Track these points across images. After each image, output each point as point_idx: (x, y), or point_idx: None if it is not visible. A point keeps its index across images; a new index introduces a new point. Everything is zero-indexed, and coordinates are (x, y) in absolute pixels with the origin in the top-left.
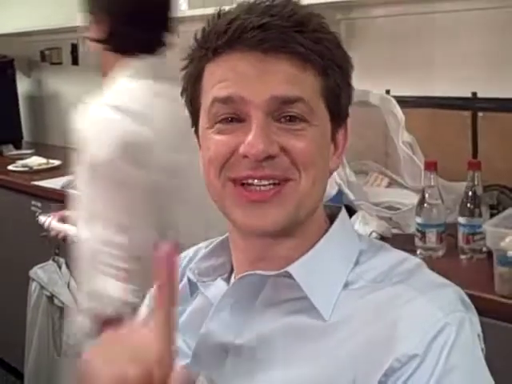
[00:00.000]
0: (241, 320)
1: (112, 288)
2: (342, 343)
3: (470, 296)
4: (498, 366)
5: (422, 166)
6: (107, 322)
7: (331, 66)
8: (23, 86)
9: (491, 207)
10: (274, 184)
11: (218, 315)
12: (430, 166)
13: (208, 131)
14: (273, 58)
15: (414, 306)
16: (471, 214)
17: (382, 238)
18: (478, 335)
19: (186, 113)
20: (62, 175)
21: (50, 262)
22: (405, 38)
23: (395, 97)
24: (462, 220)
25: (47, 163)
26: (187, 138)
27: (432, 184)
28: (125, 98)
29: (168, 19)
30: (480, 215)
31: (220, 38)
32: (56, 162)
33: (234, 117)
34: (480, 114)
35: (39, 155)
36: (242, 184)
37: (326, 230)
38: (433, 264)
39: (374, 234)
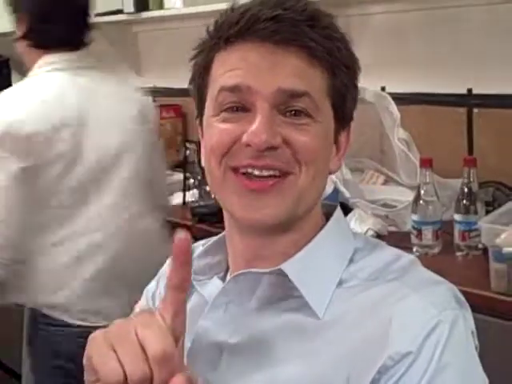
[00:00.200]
0: (235, 319)
1: None
2: (336, 341)
3: (466, 293)
4: (493, 362)
5: (418, 163)
6: None
7: (339, 66)
8: None
9: (487, 204)
10: (275, 176)
11: (212, 314)
12: (426, 163)
13: (212, 119)
14: (283, 51)
15: (408, 303)
16: (467, 210)
17: (378, 235)
18: (472, 332)
19: (104, 100)
20: None
21: None
22: (400, 35)
23: (391, 94)
24: (457, 217)
25: None
26: (89, 126)
27: (427, 181)
28: (28, 90)
29: (87, 16)
30: (475, 212)
31: (232, 28)
32: None
33: (239, 106)
34: (475, 110)
35: None
36: (243, 173)
37: (322, 229)
38: (429, 261)
39: (370, 232)
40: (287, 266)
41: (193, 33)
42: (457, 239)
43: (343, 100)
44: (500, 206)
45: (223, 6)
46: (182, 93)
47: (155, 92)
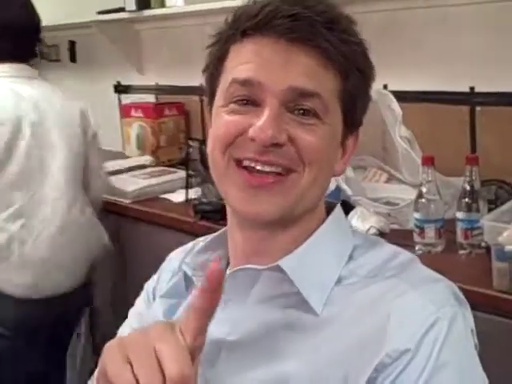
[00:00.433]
0: (233, 316)
1: None
2: (334, 338)
3: (469, 291)
4: (495, 361)
5: (420, 161)
6: None
7: (353, 70)
8: None
9: (489, 202)
10: (277, 173)
11: None
12: (428, 161)
13: (221, 109)
14: (298, 49)
15: (406, 300)
16: (469, 208)
17: (381, 233)
18: (472, 330)
19: (42, 104)
20: None
21: None
22: (403, 32)
23: (393, 91)
24: (459, 215)
25: None
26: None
27: (429, 179)
28: None
29: (35, 34)
30: (478, 210)
31: (250, 21)
32: None
33: (249, 99)
34: (478, 108)
35: None
36: (245, 167)
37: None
38: (431, 259)
39: (373, 230)
40: (285, 263)
41: (195, 31)
42: (459, 237)
43: (353, 104)
44: (502, 204)
45: (223, 3)
46: (184, 90)
47: (158, 90)
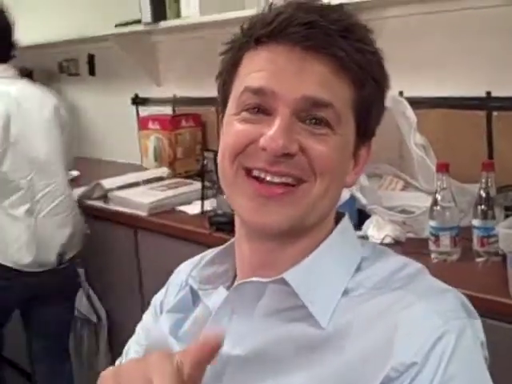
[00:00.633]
0: (239, 330)
1: None
2: (339, 352)
3: (485, 300)
4: None
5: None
6: None
7: (367, 79)
8: None
9: (506, 208)
10: (287, 184)
11: (215, 325)
12: (442, 168)
13: (233, 117)
14: (312, 58)
15: (413, 311)
16: (485, 216)
17: (396, 242)
18: (482, 343)
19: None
20: (80, 186)
21: None
22: (418, 38)
23: (409, 98)
24: (475, 222)
25: None
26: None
27: (444, 186)
28: None
29: (11, 36)
30: (494, 217)
31: (265, 28)
32: (74, 173)
33: (260, 108)
34: (495, 113)
35: None
36: (254, 177)
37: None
38: (447, 268)
39: (388, 239)
40: (290, 275)
41: (211, 42)
42: (476, 245)
43: (367, 114)
44: None
45: (238, 13)
46: (201, 102)
47: (175, 101)
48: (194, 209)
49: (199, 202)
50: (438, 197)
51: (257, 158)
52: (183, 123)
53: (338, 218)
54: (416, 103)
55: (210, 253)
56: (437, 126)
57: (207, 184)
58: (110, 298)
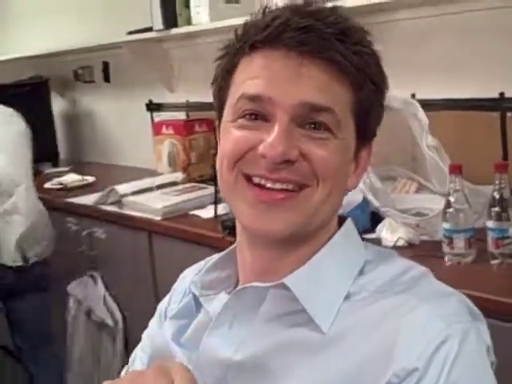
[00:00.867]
0: (240, 335)
1: None
2: (340, 357)
3: (500, 302)
4: None
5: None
6: None
7: (366, 81)
8: (58, 105)
9: None
10: (287, 190)
11: (216, 331)
12: (455, 170)
13: (230, 124)
14: (309, 62)
15: (415, 315)
16: (499, 217)
17: (410, 244)
18: (488, 347)
19: None
20: (96, 191)
21: (86, 277)
22: (430, 40)
23: (421, 100)
24: (490, 224)
25: (82, 180)
26: None
27: (457, 188)
28: None
29: None
30: (508, 219)
31: (259, 34)
32: (90, 179)
33: (258, 114)
34: (509, 114)
35: (75, 172)
36: (256, 184)
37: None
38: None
39: (401, 242)
40: (290, 280)
41: (221, 47)
42: (490, 247)
43: (367, 117)
44: None
45: (248, 19)
46: (214, 106)
47: (188, 107)
48: (207, 213)
49: (212, 207)
50: (452, 199)
51: (256, 164)
52: (197, 128)
53: (342, 222)
54: (428, 105)
55: (213, 257)
56: (450, 127)
57: (219, 188)
58: (126, 301)
